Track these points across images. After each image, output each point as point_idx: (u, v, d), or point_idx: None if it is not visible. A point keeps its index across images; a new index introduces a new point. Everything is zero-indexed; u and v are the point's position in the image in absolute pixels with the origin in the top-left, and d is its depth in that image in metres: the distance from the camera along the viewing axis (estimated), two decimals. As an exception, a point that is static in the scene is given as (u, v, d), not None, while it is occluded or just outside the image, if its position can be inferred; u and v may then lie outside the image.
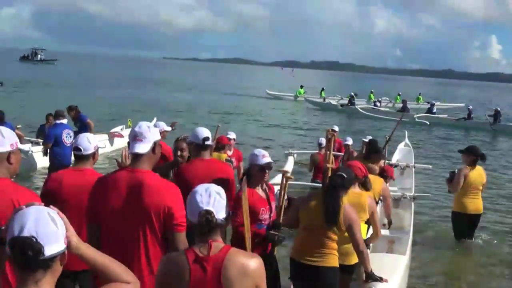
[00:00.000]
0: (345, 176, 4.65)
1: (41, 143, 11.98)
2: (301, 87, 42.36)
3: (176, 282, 2.61)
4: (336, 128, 12.52)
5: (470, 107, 31.18)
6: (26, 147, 3.21)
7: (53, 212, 1.89)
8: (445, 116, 31.73)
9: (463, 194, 8.28)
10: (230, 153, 8.89)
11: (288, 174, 4.65)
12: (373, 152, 8.11)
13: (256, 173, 4.67)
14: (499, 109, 29.35)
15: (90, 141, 4.36)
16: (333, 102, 36.92)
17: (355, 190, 5.31)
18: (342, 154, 11.72)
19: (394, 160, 12.77)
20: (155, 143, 3.39)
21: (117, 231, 3.32)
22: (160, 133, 7.79)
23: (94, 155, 4.39)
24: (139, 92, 41.12)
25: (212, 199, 2.68)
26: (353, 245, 4.68)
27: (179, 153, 5.55)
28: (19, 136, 10.66)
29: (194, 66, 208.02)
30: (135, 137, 3.37)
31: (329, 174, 5.09)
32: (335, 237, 4.62)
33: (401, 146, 15.01)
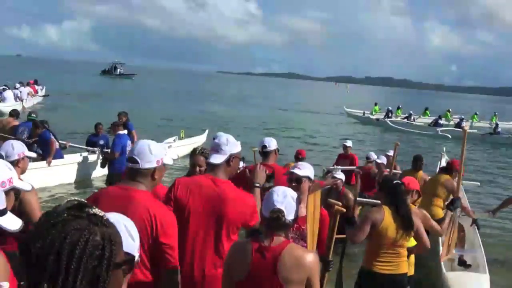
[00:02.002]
0: (404, 183, 4.88)
1: (98, 152, 12.11)
2: (375, 104, 40.81)
3: (239, 265, 2.95)
4: (349, 143, 12.34)
5: (498, 122, 31.54)
6: (170, 160, 3.26)
7: (129, 223, 1.93)
8: (472, 130, 31.14)
9: None
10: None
11: (340, 207, 4.00)
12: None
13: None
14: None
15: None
16: (371, 116, 36.65)
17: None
18: (354, 167, 11.58)
19: None
20: (231, 156, 3.61)
21: (190, 229, 3.50)
22: None
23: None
24: (196, 104, 41.93)
25: (286, 200, 3.00)
26: (422, 245, 4.88)
27: (197, 169, 4.80)
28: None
29: (249, 80, 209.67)
30: (212, 148, 3.64)
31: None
32: (407, 244, 4.78)
33: (443, 162, 14.06)
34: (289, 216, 2.98)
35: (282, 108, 46.40)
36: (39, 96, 31.25)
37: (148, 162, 3.04)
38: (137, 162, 3.04)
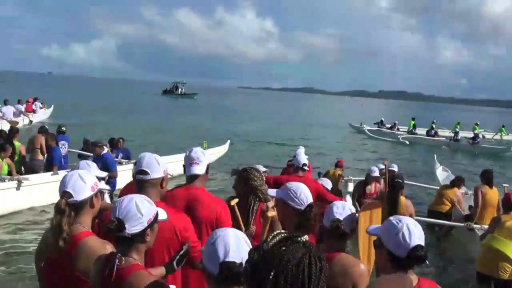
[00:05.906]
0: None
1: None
2: (413, 119, 38.28)
3: None
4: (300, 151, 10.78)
5: (457, 129, 32.56)
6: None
7: (242, 233, 2.13)
8: (430, 138, 32.08)
9: None
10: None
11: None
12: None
13: None
14: (477, 132, 32.05)
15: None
16: (364, 128, 35.95)
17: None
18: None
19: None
20: (208, 166, 3.72)
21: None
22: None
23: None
24: (224, 118, 42.71)
25: (345, 212, 3.18)
26: None
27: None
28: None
29: (267, 95, 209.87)
30: (192, 161, 3.65)
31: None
32: None
33: (439, 171, 13.51)
34: (347, 226, 3.12)
35: (299, 122, 46.92)
36: (37, 114, 28.30)
37: (157, 173, 3.17)
38: (148, 174, 3.16)
